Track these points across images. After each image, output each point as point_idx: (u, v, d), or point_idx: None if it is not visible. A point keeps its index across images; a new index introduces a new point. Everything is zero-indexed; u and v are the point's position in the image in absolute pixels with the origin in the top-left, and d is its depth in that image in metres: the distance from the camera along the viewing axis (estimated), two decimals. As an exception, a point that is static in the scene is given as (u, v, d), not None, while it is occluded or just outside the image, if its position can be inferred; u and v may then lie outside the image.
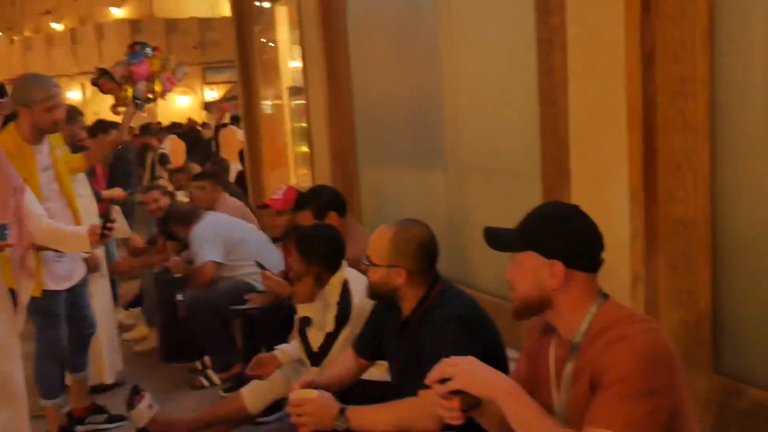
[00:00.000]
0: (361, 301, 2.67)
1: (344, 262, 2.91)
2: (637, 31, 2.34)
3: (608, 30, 2.44)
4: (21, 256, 2.87)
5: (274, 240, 3.88)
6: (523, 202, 3.27)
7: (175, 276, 4.72)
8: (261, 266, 3.47)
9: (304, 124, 6.51)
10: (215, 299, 4.13)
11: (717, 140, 2.24)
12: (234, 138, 12.16)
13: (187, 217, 4.49)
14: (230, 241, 4.28)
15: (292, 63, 6.93)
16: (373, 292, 2.28)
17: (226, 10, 33.34)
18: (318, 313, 2.92)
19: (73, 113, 4.86)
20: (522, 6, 2.98)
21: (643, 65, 2.35)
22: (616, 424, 1.49)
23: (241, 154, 8.39)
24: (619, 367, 1.53)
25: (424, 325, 2.15)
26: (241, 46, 6.86)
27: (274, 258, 4.18)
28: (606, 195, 2.55)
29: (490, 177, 3.42)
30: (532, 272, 1.69)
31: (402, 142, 4.15)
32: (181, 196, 6.18)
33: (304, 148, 6.48)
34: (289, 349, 3.07)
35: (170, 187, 6.55)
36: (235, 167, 12.08)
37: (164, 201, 5.32)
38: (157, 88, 11.27)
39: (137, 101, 11.28)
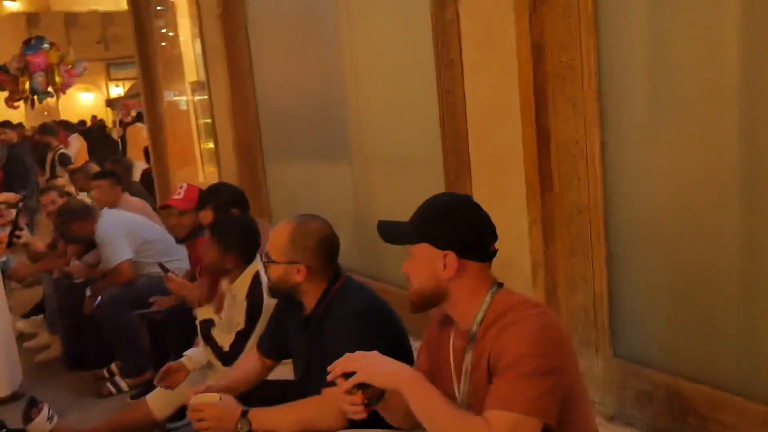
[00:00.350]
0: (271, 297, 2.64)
1: (257, 256, 2.87)
2: (526, 21, 2.37)
3: (500, 21, 2.47)
4: None
5: (178, 241, 3.76)
6: (427, 193, 3.31)
7: (76, 281, 4.54)
8: (163, 268, 3.37)
9: (209, 120, 6.38)
10: (135, 297, 4.00)
11: (606, 127, 2.30)
12: (140, 135, 11.78)
13: (82, 212, 4.30)
14: (137, 237, 4.16)
15: (194, 57, 6.76)
16: (273, 289, 2.25)
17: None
18: (224, 311, 2.87)
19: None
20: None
21: (533, 55, 2.39)
22: (515, 405, 1.51)
23: (146, 151, 8.14)
24: (514, 350, 1.55)
25: (325, 322, 2.13)
26: (140, 40, 6.63)
27: (182, 258, 4.07)
28: (504, 184, 2.59)
29: (393, 168, 3.42)
30: (427, 264, 1.70)
31: (307, 137, 4.11)
32: (83, 197, 5.95)
33: (211, 145, 6.34)
34: (195, 355, 2.99)
35: (71, 189, 6.29)
36: (140, 165, 11.74)
37: (61, 201, 5.09)
38: (57, 79, 10.86)
39: (35, 93, 10.84)
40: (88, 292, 4.23)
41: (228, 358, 2.78)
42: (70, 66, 10.86)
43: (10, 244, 2.76)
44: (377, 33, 3.37)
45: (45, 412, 3.01)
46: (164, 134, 6.68)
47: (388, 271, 3.51)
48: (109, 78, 27.91)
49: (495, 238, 1.74)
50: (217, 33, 4.76)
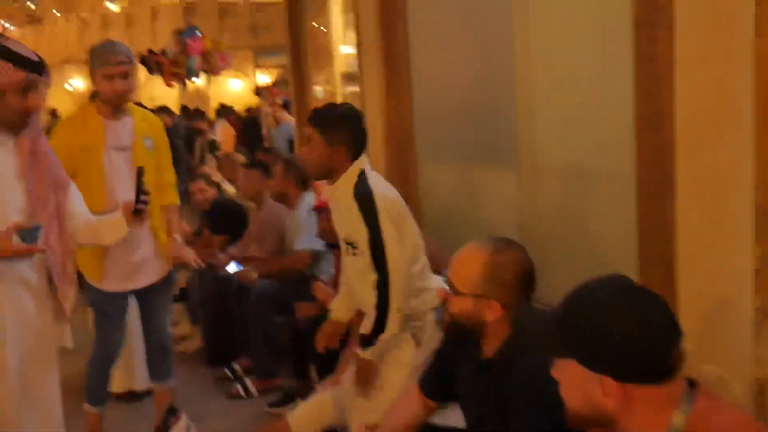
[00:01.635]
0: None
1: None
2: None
3: (732, 5, 2.01)
4: (61, 262, 2.58)
5: (329, 246, 3.54)
6: (613, 211, 2.89)
7: (221, 273, 4.45)
8: (314, 276, 3.17)
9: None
10: (283, 299, 3.86)
11: None
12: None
13: (235, 211, 4.19)
14: None
15: (345, 48, 6.56)
16: (453, 325, 1.91)
17: (279, -7, 32.96)
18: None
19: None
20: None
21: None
22: None
23: (290, 143, 8.10)
24: None
25: (512, 371, 1.77)
26: (292, 30, 6.52)
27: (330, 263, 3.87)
28: (722, 208, 2.13)
29: (570, 180, 3.00)
30: (581, 386, 1.30)
31: (467, 137, 3.75)
32: (228, 186, 5.90)
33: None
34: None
35: (217, 177, 6.28)
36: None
37: (210, 192, 5.04)
38: (213, 62, 11.23)
39: (190, 75, 11.25)
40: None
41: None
42: (225, 52, 11.21)
43: (136, 211, 2.57)
44: (559, 19, 2.95)
45: (183, 422, 2.87)
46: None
47: (554, 297, 3.10)
48: (257, 65, 28.80)
49: (676, 346, 1.29)
50: (373, 22, 4.48)
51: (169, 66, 10.69)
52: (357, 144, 2.64)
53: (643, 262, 2.54)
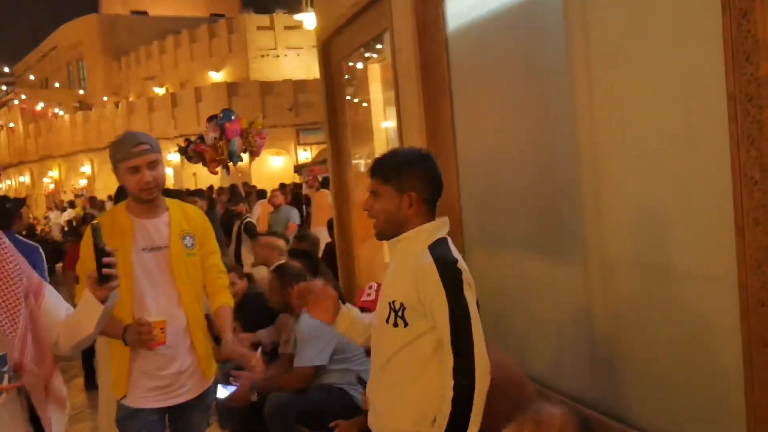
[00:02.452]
0: None
1: None
2: None
3: None
4: (41, 385, 2.18)
5: (367, 353, 3.12)
6: (709, 317, 2.42)
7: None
8: (362, 381, 2.74)
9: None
10: (305, 408, 3.41)
11: None
12: (325, 202, 11.70)
13: (264, 308, 3.81)
14: (343, 339, 3.57)
15: (385, 124, 6.29)
16: None
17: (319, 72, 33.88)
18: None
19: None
20: (703, 49, 2.16)
21: None
22: None
23: (329, 223, 7.78)
24: None
25: None
26: (330, 108, 6.27)
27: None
28: None
29: (653, 277, 2.55)
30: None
31: (521, 225, 3.33)
32: (262, 271, 5.54)
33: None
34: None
35: (248, 264, 5.92)
36: (324, 238, 11.59)
37: (241, 284, 4.69)
38: (252, 141, 11.17)
39: (233, 158, 11.18)
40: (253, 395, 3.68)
41: None
42: (261, 129, 11.15)
43: (101, 279, 2.11)
44: (633, 90, 2.55)
45: None
46: (349, 206, 6.21)
47: (632, 413, 2.62)
48: (299, 143, 29.09)
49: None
50: (416, 97, 4.17)
51: (211, 153, 10.62)
52: (432, 188, 2.27)
53: (755, 382, 2.06)
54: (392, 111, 6.28)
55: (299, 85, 30.06)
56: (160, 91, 36.81)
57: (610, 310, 2.78)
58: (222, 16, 42.53)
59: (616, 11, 2.58)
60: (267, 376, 3.73)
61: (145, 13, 49.31)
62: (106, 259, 2.12)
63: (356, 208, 6.17)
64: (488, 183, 3.65)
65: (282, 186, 15.48)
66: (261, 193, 12.50)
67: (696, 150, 2.28)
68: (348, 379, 3.46)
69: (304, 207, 12.97)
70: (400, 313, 2.17)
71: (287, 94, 29.71)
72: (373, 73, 6.30)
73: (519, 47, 3.25)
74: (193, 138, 12.19)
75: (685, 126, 2.32)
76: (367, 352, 3.50)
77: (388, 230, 2.24)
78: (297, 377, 3.48)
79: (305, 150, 29.37)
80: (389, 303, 2.21)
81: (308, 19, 10.19)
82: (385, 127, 6.38)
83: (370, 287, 3.04)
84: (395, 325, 2.18)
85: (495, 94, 3.52)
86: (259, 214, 8.82)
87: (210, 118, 10.85)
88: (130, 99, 36.04)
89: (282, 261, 5.38)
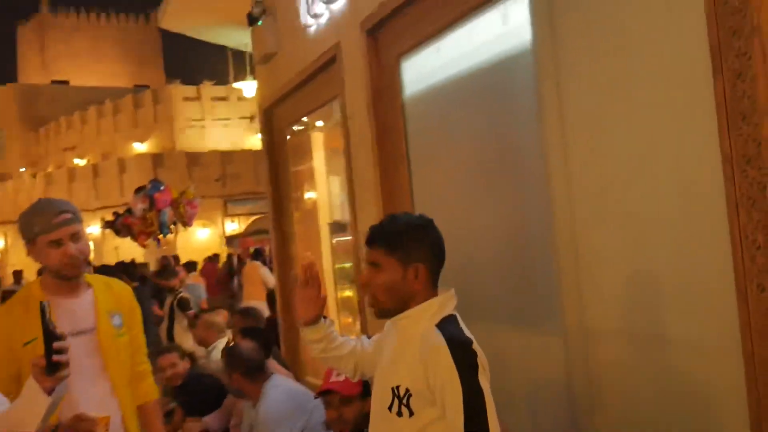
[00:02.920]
0: None
1: None
2: None
3: None
4: None
5: None
6: (712, 394, 2.30)
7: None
8: None
9: (347, 264, 5.62)
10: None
11: None
12: (257, 274, 11.36)
13: (255, 368, 3.41)
14: (310, 424, 3.25)
15: (330, 196, 6.13)
16: None
17: (246, 143, 33.84)
18: None
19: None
20: (693, 111, 2.12)
21: None
22: None
23: (269, 296, 7.48)
24: None
25: None
26: (273, 177, 6.10)
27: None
28: None
29: (641, 346, 2.43)
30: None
31: (491, 295, 3.19)
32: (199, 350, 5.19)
33: (348, 293, 5.55)
34: None
35: (191, 339, 5.57)
36: (261, 309, 11.15)
37: (183, 365, 4.35)
38: (182, 211, 10.80)
39: (163, 229, 10.76)
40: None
41: None
42: (192, 198, 10.81)
43: (50, 367, 1.81)
44: (616, 157, 2.49)
45: None
46: (294, 280, 5.96)
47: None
48: (226, 214, 28.58)
49: None
50: (371, 166, 4.05)
51: (139, 225, 10.21)
52: (438, 258, 2.05)
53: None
54: (336, 180, 6.17)
55: (226, 156, 29.75)
56: (80, 162, 35.77)
57: (591, 378, 2.64)
58: (147, 87, 42.09)
59: (594, 72, 2.54)
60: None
61: (66, 82, 48.35)
62: (57, 344, 1.85)
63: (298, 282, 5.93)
64: (453, 253, 3.50)
65: (211, 258, 15.01)
66: (190, 266, 12.06)
67: (687, 213, 2.21)
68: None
69: (236, 278, 12.59)
70: (405, 401, 1.93)
71: (214, 165, 29.30)
72: (317, 143, 6.17)
73: (484, 111, 3.19)
74: (120, 210, 11.76)
75: (673, 189, 2.25)
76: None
77: (391, 306, 2.00)
78: None
79: (233, 221, 28.86)
80: (393, 389, 1.96)
81: (247, 88, 10.04)
82: (330, 200, 6.22)
83: (339, 366, 2.81)
84: (399, 414, 1.93)
85: (458, 160, 3.43)
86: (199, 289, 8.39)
87: (137, 190, 10.49)
88: (49, 170, 34.86)
89: (222, 339, 5.06)
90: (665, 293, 2.33)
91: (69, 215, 2.48)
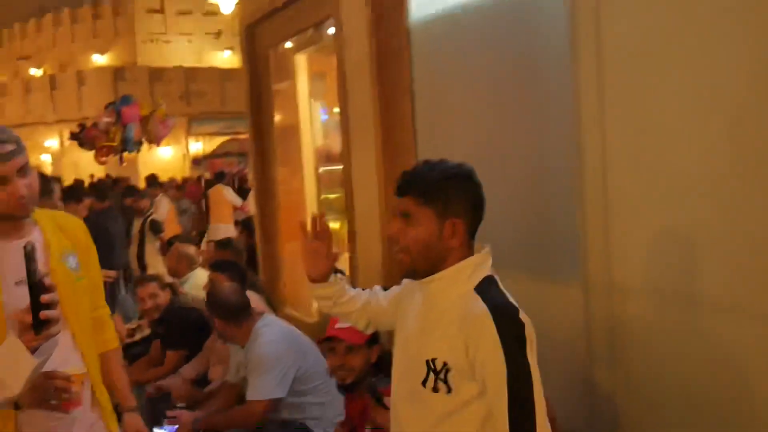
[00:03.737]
0: None
1: None
2: None
3: None
4: None
5: (343, 389, 2.66)
6: (745, 361, 2.18)
7: (178, 405, 3.53)
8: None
9: (332, 195, 5.41)
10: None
11: None
12: (221, 196, 11.10)
13: (238, 311, 3.19)
14: (304, 366, 3.08)
15: (313, 121, 5.84)
16: None
17: (212, 60, 32.90)
18: None
19: (48, 184, 3.70)
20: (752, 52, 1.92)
21: None
22: None
23: (245, 222, 7.24)
24: None
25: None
26: (254, 100, 5.77)
27: (338, 400, 3.00)
28: None
29: (675, 308, 2.29)
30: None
31: (509, 243, 3.01)
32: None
33: (334, 225, 5.34)
34: None
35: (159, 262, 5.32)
36: (225, 229, 10.85)
37: (163, 297, 4.14)
38: (151, 129, 10.34)
39: (128, 146, 10.30)
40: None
41: None
42: (164, 118, 10.32)
43: (38, 327, 1.60)
44: (659, 96, 2.29)
45: None
46: (274, 205, 5.73)
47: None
48: (190, 133, 27.82)
49: None
50: (369, 98, 3.79)
51: (103, 139, 9.74)
52: (477, 215, 1.84)
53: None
54: (318, 106, 5.88)
55: (191, 73, 28.81)
56: (37, 72, 34.33)
57: (614, 336, 2.51)
58: (107, -5, 40.19)
59: (641, 4, 2.30)
60: (211, 410, 3.24)
61: (20, -13, 45.88)
62: (45, 297, 1.60)
63: (282, 207, 5.72)
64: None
65: (197, 180, 14.25)
66: (153, 183, 11.66)
67: (735, 168, 2.03)
68: (309, 413, 3.04)
69: (203, 202, 12.28)
70: (442, 375, 1.73)
71: (178, 82, 28.36)
72: (300, 65, 5.83)
73: (507, 41, 2.94)
74: (77, 124, 11.18)
75: (721, 142, 2.07)
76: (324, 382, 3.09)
77: (422, 265, 1.79)
78: (251, 412, 3.00)
79: (197, 141, 28.20)
80: (428, 362, 1.75)
81: (225, 3, 9.46)
82: (311, 124, 5.93)
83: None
84: (435, 389, 1.74)
85: (473, 97, 3.19)
86: (167, 209, 8.00)
87: (108, 105, 9.97)
88: (3, 79, 33.41)
89: (194, 272, 4.82)
90: (701, 252, 2.17)
91: (12, 146, 2.08)
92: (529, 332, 1.69)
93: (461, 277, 1.77)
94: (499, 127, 3.04)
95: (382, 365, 2.58)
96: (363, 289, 2.09)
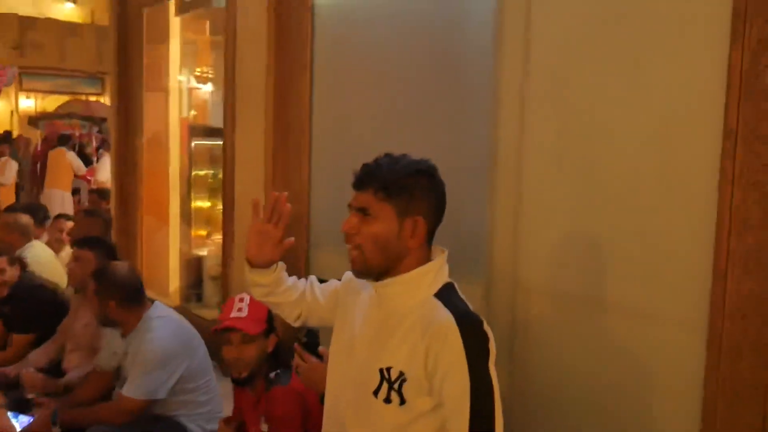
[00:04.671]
0: None
1: None
2: None
3: None
4: None
5: (239, 382, 2.45)
6: (640, 354, 2.26)
7: (27, 397, 3.15)
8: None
9: (203, 172, 5.10)
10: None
11: None
12: (64, 161, 10.32)
13: (133, 296, 2.83)
14: (191, 366, 2.80)
15: (182, 91, 5.47)
16: None
17: (52, 11, 30.35)
18: None
19: None
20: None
21: None
22: None
23: (100, 191, 6.66)
24: None
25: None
26: (121, 61, 5.32)
27: (218, 397, 2.78)
28: None
29: (581, 310, 2.33)
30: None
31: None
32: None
33: (202, 203, 5.04)
34: None
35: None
36: (59, 200, 10.02)
37: (11, 272, 3.68)
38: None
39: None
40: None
41: None
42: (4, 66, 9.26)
43: None
44: (583, 104, 2.31)
45: None
46: (135, 178, 5.33)
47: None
48: (21, 88, 25.49)
49: None
50: (263, 70, 3.58)
51: None
52: (438, 215, 1.71)
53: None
54: (187, 74, 5.52)
55: (27, 22, 26.35)
56: None
57: (518, 331, 2.52)
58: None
59: (572, 6, 2.30)
60: (74, 400, 2.90)
61: None
62: None
63: (144, 180, 5.32)
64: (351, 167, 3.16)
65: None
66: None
67: (655, 182, 2.08)
68: (185, 410, 2.80)
69: (38, 166, 11.31)
70: (396, 386, 1.60)
71: (12, 30, 25.87)
72: (174, 28, 5.44)
73: (424, 22, 2.85)
74: None
75: (645, 155, 2.11)
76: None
77: (376, 264, 1.64)
78: (122, 409, 2.69)
79: (28, 98, 25.92)
80: (381, 370, 1.63)
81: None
82: (180, 93, 5.56)
83: (242, 300, 2.42)
84: (387, 400, 1.61)
85: (380, 80, 3.09)
86: (14, 173, 7.16)
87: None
88: None
89: (30, 244, 4.31)
90: (610, 257, 2.22)
91: None
92: (492, 345, 1.61)
93: (422, 283, 1.64)
94: (406, 117, 2.95)
95: (279, 357, 2.42)
96: (298, 278, 1.93)
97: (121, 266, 2.91)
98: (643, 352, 2.15)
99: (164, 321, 2.81)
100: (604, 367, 2.25)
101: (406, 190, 1.62)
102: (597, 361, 2.27)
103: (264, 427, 2.31)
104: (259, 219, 1.75)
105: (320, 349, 2.12)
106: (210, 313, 4.55)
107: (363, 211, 1.63)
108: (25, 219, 4.52)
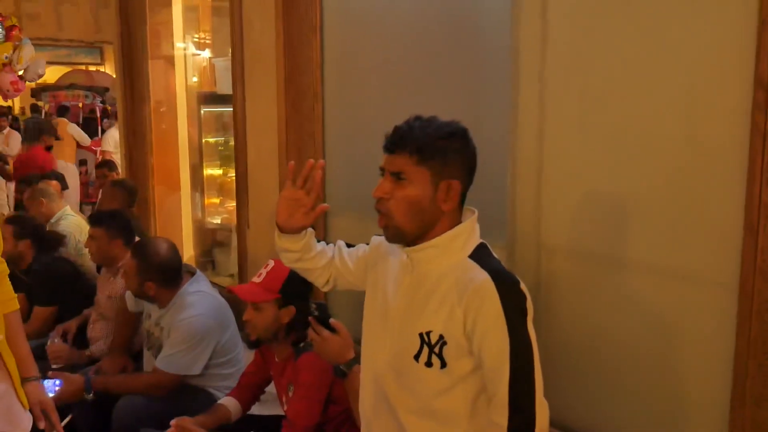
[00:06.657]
0: None
1: None
2: None
3: None
4: None
5: (251, 344, 2.50)
6: (662, 312, 2.25)
7: (53, 365, 3.18)
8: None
9: (213, 139, 5.08)
10: (163, 413, 2.69)
11: None
12: (65, 132, 10.26)
13: (173, 276, 2.83)
14: (222, 341, 2.82)
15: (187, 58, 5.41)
16: None
17: (42, -22, 29.50)
18: None
19: None
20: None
21: None
22: None
23: (106, 162, 6.63)
24: None
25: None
26: (125, 29, 5.25)
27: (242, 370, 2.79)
28: None
29: (604, 270, 2.31)
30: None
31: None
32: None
33: (214, 170, 5.02)
34: None
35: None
36: (67, 172, 10.04)
37: (23, 245, 3.68)
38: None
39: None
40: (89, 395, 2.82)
41: None
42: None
43: None
44: (606, 60, 2.26)
45: None
46: (145, 148, 5.31)
47: (570, 417, 2.41)
48: (20, 59, 25.31)
49: None
50: (271, 34, 3.52)
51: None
52: (470, 178, 1.68)
53: (747, 396, 1.92)
54: (191, 41, 5.46)
55: (22, -8, 26.08)
56: None
57: (541, 287, 2.51)
58: None
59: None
60: (109, 370, 2.93)
61: None
62: None
63: (153, 149, 5.30)
64: (362, 139, 3.13)
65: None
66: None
67: (682, 139, 2.04)
68: (214, 381, 2.82)
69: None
70: (437, 350, 1.60)
71: (5, 2, 25.61)
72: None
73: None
74: None
75: (671, 110, 2.07)
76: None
77: (409, 228, 1.61)
78: (157, 383, 2.70)
79: (27, 68, 25.72)
80: (421, 335, 1.62)
81: None
82: (185, 60, 5.50)
83: (267, 266, 2.41)
84: (428, 364, 1.61)
85: (395, 43, 3.03)
86: (19, 147, 7.13)
87: None
88: None
89: (62, 210, 4.35)
90: (631, 216, 2.20)
91: None
92: (530, 305, 1.60)
93: (455, 245, 1.63)
94: (422, 81, 2.91)
95: (297, 329, 2.42)
96: (327, 243, 1.92)
97: (161, 245, 2.88)
98: (671, 310, 2.14)
99: (200, 296, 2.82)
100: (630, 326, 2.24)
101: (441, 153, 1.60)
102: (623, 320, 2.26)
103: (290, 393, 2.34)
104: (291, 185, 1.73)
105: (332, 321, 2.12)
106: (224, 281, 4.57)
107: (397, 176, 1.60)
108: (51, 188, 4.53)
